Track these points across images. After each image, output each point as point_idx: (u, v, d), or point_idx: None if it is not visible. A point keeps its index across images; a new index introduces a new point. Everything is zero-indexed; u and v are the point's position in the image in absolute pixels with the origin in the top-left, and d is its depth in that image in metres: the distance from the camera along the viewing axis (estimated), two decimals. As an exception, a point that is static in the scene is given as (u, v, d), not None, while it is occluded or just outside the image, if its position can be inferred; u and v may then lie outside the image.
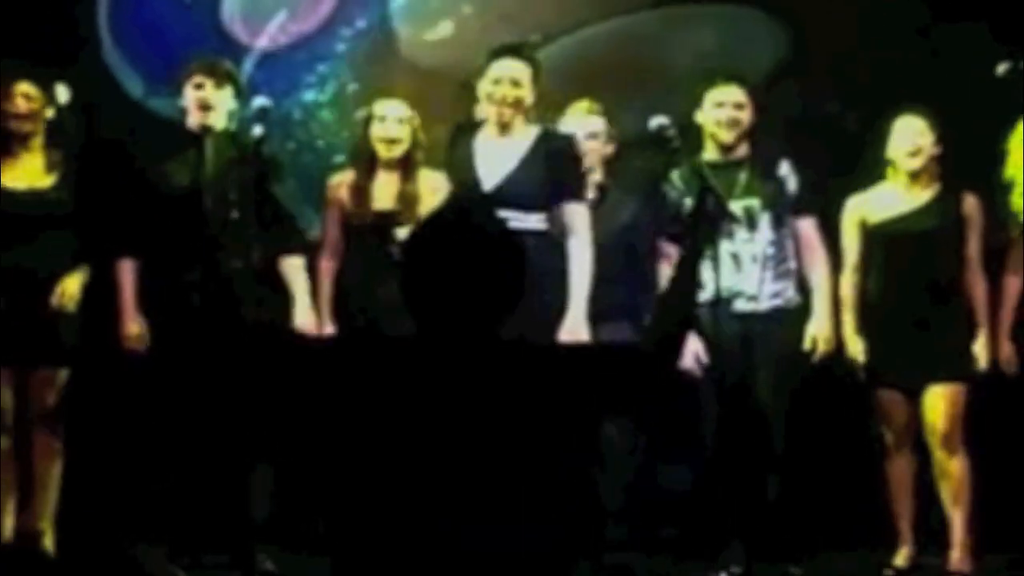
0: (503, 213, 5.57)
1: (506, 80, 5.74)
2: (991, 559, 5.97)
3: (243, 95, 6.11)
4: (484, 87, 5.77)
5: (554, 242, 5.71)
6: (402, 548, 5.79)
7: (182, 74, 6.02)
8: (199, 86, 5.97)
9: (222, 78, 5.99)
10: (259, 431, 5.96)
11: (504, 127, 5.77)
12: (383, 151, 5.99)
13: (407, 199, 5.95)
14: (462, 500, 5.78)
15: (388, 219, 5.94)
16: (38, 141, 5.95)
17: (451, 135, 5.97)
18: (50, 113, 5.96)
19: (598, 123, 6.06)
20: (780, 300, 5.93)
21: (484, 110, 5.81)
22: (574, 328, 5.63)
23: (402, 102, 6.06)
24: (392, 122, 6.00)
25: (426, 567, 5.68)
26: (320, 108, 6.86)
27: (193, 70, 5.99)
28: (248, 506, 6.00)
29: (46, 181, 5.92)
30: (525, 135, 5.79)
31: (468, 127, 5.90)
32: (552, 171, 5.72)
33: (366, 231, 5.96)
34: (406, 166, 6.01)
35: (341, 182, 6.06)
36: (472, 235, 5.68)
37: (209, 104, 5.96)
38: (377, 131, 6.00)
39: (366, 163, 6.03)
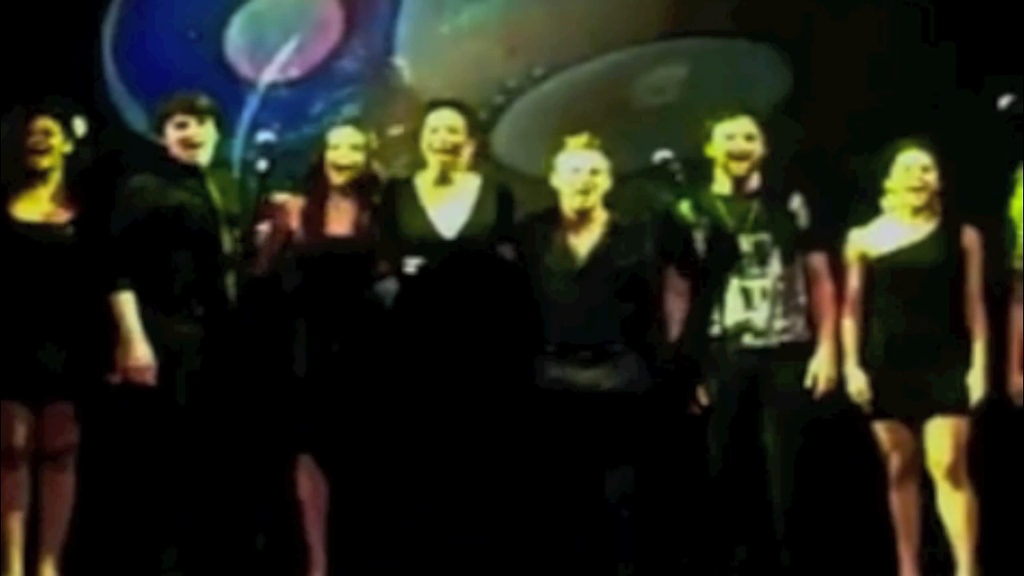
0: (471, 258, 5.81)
1: (443, 128, 6.00)
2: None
3: (223, 126, 6.13)
4: (424, 138, 6.06)
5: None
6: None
7: (160, 110, 6.05)
8: (182, 125, 5.98)
9: (204, 114, 6.00)
10: (264, 460, 6.01)
11: (444, 176, 6.02)
12: (335, 177, 6.02)
13: (364, 224, 6.00)
14: (456, 530, 5.90)
15: (343, 245, 5.98)
16: (56, 176, 5.94)
17: (386, 189, 6.11)
18: (68, 148, 5.96)
19: (598, 158, 6.01)
20: (789, 336, 5.94)
21: (427, 159, 6.05)
22: None
23: (357, 129, 6.09)
24: (345, 149, 6.02)
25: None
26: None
27: (173, 108, 6.00)
28: (253, 537, 6.05)
29: (63, 215, 5.91)
30: (466, 181, 6.06)
31: (402, 181, 6.11)
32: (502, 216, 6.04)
33: (319, 256, 5.98)
34: (361, 192, 6.04)
35: (289, 208, 6.06)
36: (462, 279, 5.86)
37: (195, 142, 5.98)
38: (330, 157, 6.02)
39: (320, 189, 6.04)
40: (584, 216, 5.98)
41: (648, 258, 5.99)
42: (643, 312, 5.96)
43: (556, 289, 5.93)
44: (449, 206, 6.03)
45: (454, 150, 6.02)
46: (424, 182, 6.08)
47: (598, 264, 5.95)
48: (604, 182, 5.99)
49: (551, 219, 6.03)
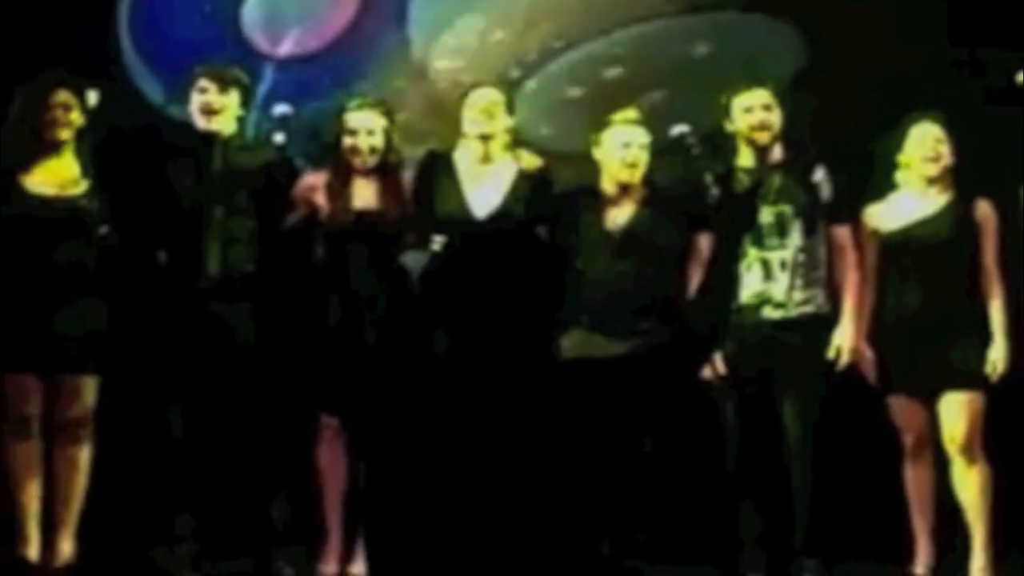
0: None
1: (483, 103, 6.04)
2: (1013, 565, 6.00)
3: (251, 102, 6.15)
4: (464, 117, 6.07)
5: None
6: (427, 551, 5.93)
7: (189, 79, 6.06)
8: (203, 90, 6.00)
9: (228, 83, 6.01)
10: (280, 434, 6.03)
11: (485, 156, 6.04)
12: (356, 163, 6.01)
13: (390, 200, 5.99)
14: (483, 508, 5.92)
15: (371, 218, 5.97)
16: (70, 147, 5.94)
17: (425, 162, 6.14)
18: (82, 120, 5.94)
19: (644, 134, 6.05)
20: (810, 307, 5.94)
21: (467, 139, 6.09)
22: None
23: (374, 111, 6.06)
24: (363, 135, 6.01)
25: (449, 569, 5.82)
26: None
27: (198, 75, 6.02)
28: (269, 511, 6.07)
29: (78, 188, 5.91)
30: (505, 164, 6.07)
31: (442, 156, 6.12)
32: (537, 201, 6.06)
33: (345, 230, 5.97)
34: (384, 171, 6.04)
35: (314, 184, 6.05)
36: (493, 257, 5.89)
37: (212, 108, 5.99)
38: (348, 142, 6.01)
39: (342, 167, 6.03)
40: (625, 190, 6.02)
41: (682, 231, 6.03)
42: (674, 285, 6.01)
43: (592, 263, 5.97)
44: (485, 187, 6.05)
45: (493, 124, 6.05)
46: (463, 160, 6.10)
47: (636, 238, 5.98)
48: (648, 157, 6.02)
49: (587, 194, 6.07)
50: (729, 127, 6.05)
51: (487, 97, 6.06)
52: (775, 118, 6.02)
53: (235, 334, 5.93)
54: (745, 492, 5.95)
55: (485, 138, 6.05)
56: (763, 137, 6.01)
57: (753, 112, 6.00)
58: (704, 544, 6.16)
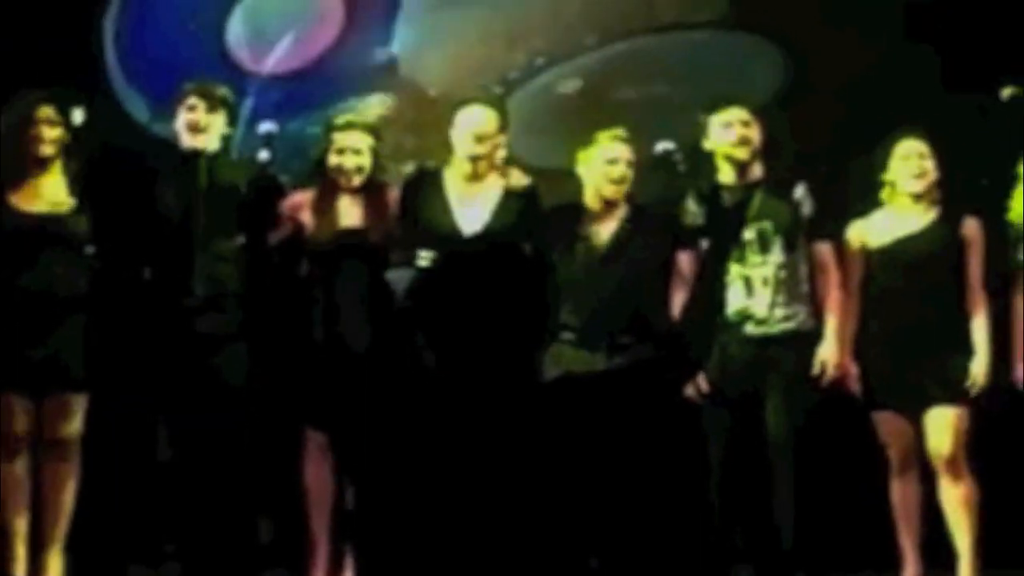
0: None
1: (474, 126, 6.00)
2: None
3: (237, 122, 6.15)
4: (454, 137, 6.03)
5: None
6: (414, 567, 5.93)
7: (177, 96, 6.06)
8: (191, 108, 5.99)
9: (216, 102, 6.01)
10: (267, 452, 6.03)
11: (474, 174, 6.03)
12: (342, 182, 6.02)
13: (376, 218, 6.00)
14: (475, 525, 5.92)
15: (356, 236, 5.98)
16: (57, 165, 5.94)
17: (414, 179, 6.15)
18: (68, 137, 5.94)
19: (630, 151, 6.07)
20: (792, 324, 5.94)
21: (460, 162, 6.04)
22: None
23: (361, 131, 6.06)
24: (348, 154, 6.01)
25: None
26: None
27: (187, 92, 6.02)
28: (255, 529, 6.07)
29: (65, 205, 5.90)
30: (494, 182, 6.05)
31: (431, 173, 6.11)
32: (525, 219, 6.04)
33: (331, 248, 5.98)
34: (370, 190, 6.05)
35: (300, 202, 6.06)
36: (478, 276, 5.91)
37: (199, 126, 5.98)
38: (333, 161, 6.01)
39: (328, 185, 6.04)
40: (609, 207, 6.04)
41: (664, 248, 6.05)
42: (657, 301, 6.02)
43: (575, 278, 5.98)
44: (474, 204, 6.04)
45: (485, 148, 6.02)
46: (452, 177, 6.09)
47: (618, 253, 6.00)
48: (633, 175, 6.04)
49: (571, 210, 6.09)
50: (707, 145, 6.06)
51: (479, 121, 6.02)
52: (754, 134, 6.04)
53: (221, 352, 5.92)
54: (730, 508, 5.96)
55: (475, 159, 6.05)
56: (742, 153, 6.02)
57: (731, 128, 6.02)
58: (689, 561, 6.15)
